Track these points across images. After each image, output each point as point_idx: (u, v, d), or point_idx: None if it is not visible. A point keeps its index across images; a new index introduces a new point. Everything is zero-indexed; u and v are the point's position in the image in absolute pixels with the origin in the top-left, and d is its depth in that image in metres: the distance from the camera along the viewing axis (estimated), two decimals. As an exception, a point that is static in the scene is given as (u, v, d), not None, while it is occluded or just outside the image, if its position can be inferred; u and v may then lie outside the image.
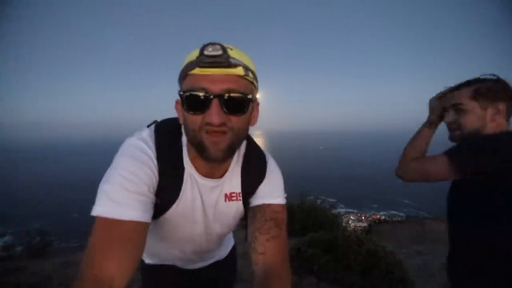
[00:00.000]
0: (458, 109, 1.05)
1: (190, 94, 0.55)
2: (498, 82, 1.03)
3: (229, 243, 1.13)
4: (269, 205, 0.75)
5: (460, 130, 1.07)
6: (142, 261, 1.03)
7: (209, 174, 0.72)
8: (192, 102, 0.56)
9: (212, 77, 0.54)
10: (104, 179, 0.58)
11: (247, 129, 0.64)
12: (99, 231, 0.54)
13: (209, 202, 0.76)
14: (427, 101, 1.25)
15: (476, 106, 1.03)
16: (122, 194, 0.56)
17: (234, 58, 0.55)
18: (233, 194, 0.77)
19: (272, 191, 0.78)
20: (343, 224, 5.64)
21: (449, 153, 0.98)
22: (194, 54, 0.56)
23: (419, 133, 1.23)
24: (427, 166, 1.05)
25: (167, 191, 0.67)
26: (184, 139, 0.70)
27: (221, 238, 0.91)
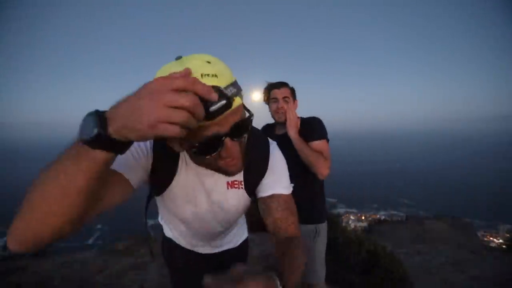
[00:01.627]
0: (286, 101, 1.59)
1: (203, 144, 0.53)
2: (291, 86, 1.64)
3: (242, 233, 1.17)
4: (280, 195, 0.79)
5: (285, 114, 1.57)
6: (164, 235, 1.12)
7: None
8: (204, 150, 0.55)
9: (220, 122, 0.51)
10: None
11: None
12: None
13: (209, 188, 0.79)
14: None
15: (291, 100, 1.61)
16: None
17: (229, 93, 0.50)
18: (235, 182, 0.80)
19: (280, 181, 0.81)
20: (343, 224, 5.64)
21: (323, 135, 1.54)
22: None
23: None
24: (327, 153, 1.51)
25: (162, 173, 0.73)
26: None
27: (229, 223, 0.94)
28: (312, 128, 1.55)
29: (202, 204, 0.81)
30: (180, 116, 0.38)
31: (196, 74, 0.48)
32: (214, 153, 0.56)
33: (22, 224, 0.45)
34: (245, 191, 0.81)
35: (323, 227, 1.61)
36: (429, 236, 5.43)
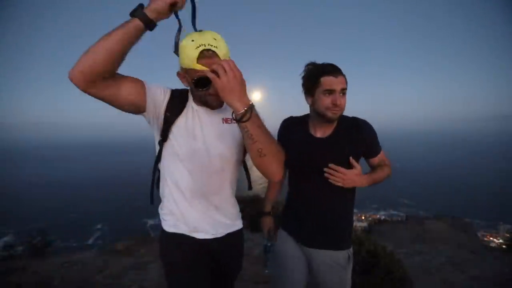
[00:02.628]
0: (344, 93, 1.20)
1: (200, 80, 0.93)
2: None
3: (237, 216, 1.22)
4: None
5: (341, 111, 1.22)
6: (163, 230, 1.13)
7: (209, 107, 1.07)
8: (201, 84, 0.95)
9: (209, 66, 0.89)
10: None
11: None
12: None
13: (208, 122, 1.06)
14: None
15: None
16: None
17: (215, 48, 0.91)
18: (229, 119, 1.09)
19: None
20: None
21: (380, 146, 1.32)
22: (194, 55, 0.90)
23: None
24: (387, 159, 1.37)
25: (173, 109, 1.02)
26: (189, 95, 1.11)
27: (227, 166, 1.10)
28: (373, 141, 1.29)
29: (199, 136, 1.04)
30: None
31: (205, 42, 0.89)
32: (205, 88, 0.96)
33: (86, 58, 0.77)
34: (236, 125, 0.97)
35: (351, 249, 1.35)
36: (429, 236, 5.43)
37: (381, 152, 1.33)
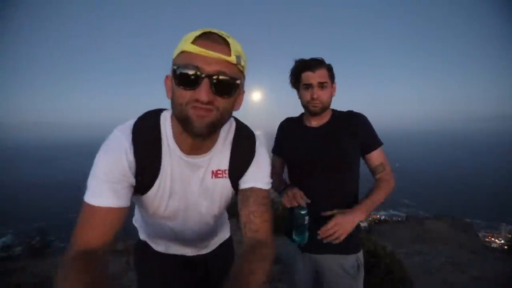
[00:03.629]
0: (324, 86, 1.20)
1: (184, 70, 0.59)
2: (328, 63, 1.24)
3: (225, 231, 1.13)
4: (260, 189, 0.81)
5: (322, 104, 1.22)
6: (139, 239, 1.05)
7: (193, 150, 0.75)
8: (184, 78, 0.59)
9: (207, 58, 0.58)
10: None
11: (231, 112, 0.69)
12: (83, 214, 0.66)
13: (194, 178, 0.79)
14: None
15: (329, 83, 1.23)
16: (98, 185, 0.66)
17: (230, 47, 0.61)
18: (219, 171, 0.81)
19: (262, 177, 0.82)
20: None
21: (380, 140, 1.25)
22: (193, 34, 0.60)
23: None
24: (386, 159, 1.29)
25: (146, 170, 0.72)
26: (164, 119, 0.75)
27: (212, 219, 0.91)
28: (369, 131, 1.25)
29: (184, 194, 0.80)
30: None
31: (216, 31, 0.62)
32: (192, 88, 0.60)
33: None
34: (229, 181, 0.82)
35: (361, 255, 1.26)
36: (429, 236, 5.42)
37: (383, 155, 1.26)
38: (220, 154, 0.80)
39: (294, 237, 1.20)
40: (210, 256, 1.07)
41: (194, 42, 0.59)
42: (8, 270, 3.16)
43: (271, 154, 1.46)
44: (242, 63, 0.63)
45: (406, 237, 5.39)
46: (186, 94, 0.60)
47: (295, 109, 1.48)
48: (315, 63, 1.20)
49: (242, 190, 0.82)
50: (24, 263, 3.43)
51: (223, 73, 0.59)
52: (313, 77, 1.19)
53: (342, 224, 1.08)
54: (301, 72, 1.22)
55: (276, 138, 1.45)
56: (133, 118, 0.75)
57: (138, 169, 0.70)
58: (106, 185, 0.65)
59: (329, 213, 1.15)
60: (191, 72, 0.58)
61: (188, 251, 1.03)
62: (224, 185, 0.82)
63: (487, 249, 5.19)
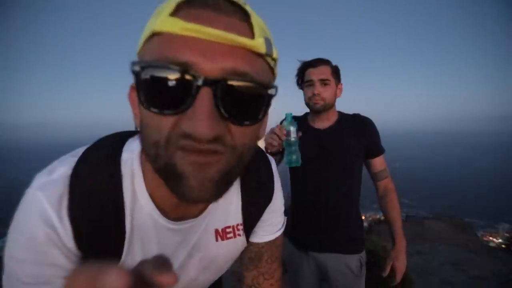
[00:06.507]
0: (325, 83, 1.20)
1: (158, 74, 0.28)
2: (335, 64, 1.25)
3: None
4: (274, 240, 0.58)
5: (323, 101, 1.21)
6: None
7: (182, 211, 0.44)
8: (158, 90, 0.28)
9: (206, 44, 0.28)
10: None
11: (255, 147, 0.37)
12: None
13: (187, 248, 0.47)
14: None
15: (333, 82, 1.22)
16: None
17: (251, 21, 0.31)
18: (228, 229, 0.51)
19: (280, 219, 0.59)
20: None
21: (382, 148, 1.27)
22: (173, 1, 0.30)
23: None
24: (386, 167, 1.34)
25: (101, 251, 0.39)
26: (128, 163, 0.41)
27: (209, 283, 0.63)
28: (375, 137, 1.26)
29: (177, 272, 0.37)
30: None
31: None
32: (177, 109, 0.28)
33: None
34: (244, 237, 0.54)
35: (364, 255, 1.29)
36: (429, 236, 5.43)
37: (383, 157, 1.27)
38: (226, 202, 0.50)
39: (286, 157, 1.10)
40: None
41: (176, 13, 0.29)
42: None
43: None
44: (275, 55, 0.33)
45: (406, 237, 5.39)
46: (165, 124, 0.29)
47: (297, 108, 1.44)
48: (317, 61, 1.21)
49: (254, 245, 0.57)
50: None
51: (242, 74, 0.29)
52: (314, 73, 1.19)
53: (403, 267, 1.24)
54: (304, 70, 1.24)
55: None
56: (71, 153, 0.41)
57: (86, 252, 0.39)
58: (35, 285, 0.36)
59: (388, 268, 1.25)
60: (172, 76, 0.27)
61: None
62: (236, 245, 0.53)
63: (485, 248, 5.21)
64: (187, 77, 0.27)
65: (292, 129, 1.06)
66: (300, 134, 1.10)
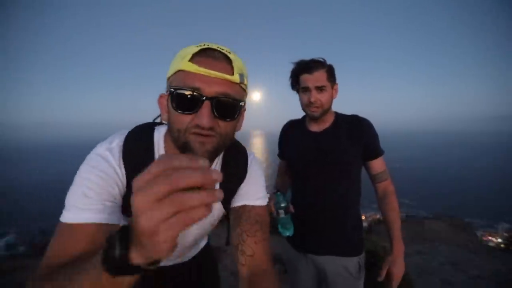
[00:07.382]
0: (322, 90, 1.17)
1: (182, 92, 0.53)
2: (329, 64, 1.19)
3: (204, 240, 1.07)
4: (253, 207, 0.74)
5: (321, 108, 1.19)
6: None
7: None
8: (182, 101, 0.53)
9: (208, 78, 0.53)
10: (70, 189, 0.57)
11: (234, 135, 0.63)
12: (61, 236, 0.53)
13: None
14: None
15: (329, 86, 1.19)
16: (83, 201, 0.54)
17: (232, 64, 0.55)
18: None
19: (255, 192, 0.76)
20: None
21: (381, 149, 1.25)
22: (190, 50, 0.54)
23: None
24: (386, 169, 1.30)
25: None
26: (158, 138, 0.67)
27: (197, 241, 0.86)
28: (373, 139, 1.23)
29: None
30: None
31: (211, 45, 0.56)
32: (191, 112, 0.53)
33: None
34: (221, 204, 0.75)
35: (363, 257, 1.28)
36: (429, 236, 5.44)
37: (382, 158, 1.25)
38: None
39: (280, 229, 1.21)
40: (188, 265, 0.96)
41: (192, 60, 0.53)
42: (11, 268, 3.19)
43: (270, 155, 1.46)
44: (245, 82, 0.58)
45: (406, 237, 5.40)
46: (185, 119, 0.54)
47: (296, 109, 1.45)
48: (313, 65, 1.16)
49: (234, 208, 0.76)
50: (26, 262, 3.45)
51: (226, 95, 0.54)
52: (310, 80, 1.16)
53: (400, 273, 1.16)
54: (299, 74, 1.20)
55: (279, 142, 1.46)
56: (119, 132, 0.66)
57: (128, 193, 0.61)
58: (95, 201, 0.55)
59: (383, 272, 1.19)
60: (190, 94, 0.52)
61: (164, 262, 0.92)
62: (215, 207, 0.74)
63: (485, 248, 5.22)
64: (197, 95, 0.53)
65: (281, 210, 1.18)
66: (291, 209, 1.20)
